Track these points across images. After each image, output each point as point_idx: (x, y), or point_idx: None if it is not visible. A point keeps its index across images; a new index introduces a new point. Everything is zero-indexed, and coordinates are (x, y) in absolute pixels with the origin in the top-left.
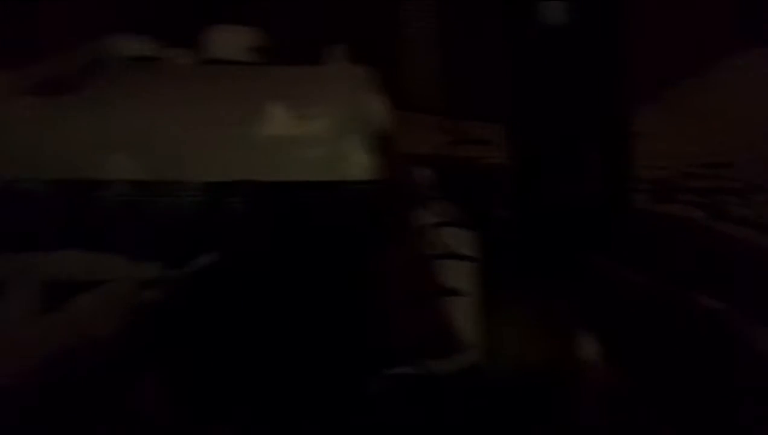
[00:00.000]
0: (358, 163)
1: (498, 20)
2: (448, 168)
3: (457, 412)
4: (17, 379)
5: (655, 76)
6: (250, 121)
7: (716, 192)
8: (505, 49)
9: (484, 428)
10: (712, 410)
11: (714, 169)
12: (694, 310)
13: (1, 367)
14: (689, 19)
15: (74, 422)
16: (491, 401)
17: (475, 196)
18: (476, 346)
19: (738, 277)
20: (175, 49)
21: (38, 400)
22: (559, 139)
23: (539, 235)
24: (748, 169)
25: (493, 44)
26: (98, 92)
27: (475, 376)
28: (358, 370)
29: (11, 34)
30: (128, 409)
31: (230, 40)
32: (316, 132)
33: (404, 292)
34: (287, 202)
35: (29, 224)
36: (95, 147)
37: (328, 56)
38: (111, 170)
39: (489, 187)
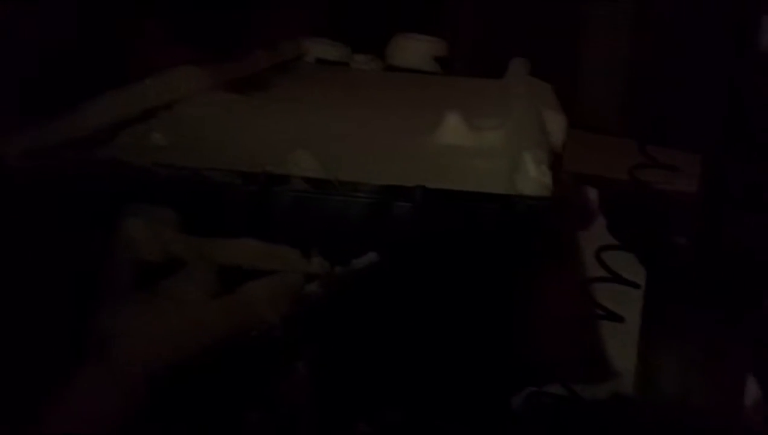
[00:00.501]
0: (530, 179)
1: (698, 43)
2: (627, 191)
3: None
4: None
5: None
6: (428, 129)
7: None
8: (709, 74)
9: None
10: None
11: None
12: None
13: (177, 344)
14: None
15: (226, 405)
16: (636, 431)
17: (652, 222)
18: (629, 374)
19: None
20: (363, 54)
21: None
22: (759, 174)
23: (717, 269)
24: None
25: (691, 68)
26: (287, 91)
27: (624, 405)
28: (505, 386)
29: (219, 31)
30: (279, 397)
31: (415, 49)
32: (491, 144)
33: (559, 312)
34: (457, 211)
35: (213, 212)
36: (278, 143)
37: (510, 69)
38: (291, 166)
39: (669, 214)
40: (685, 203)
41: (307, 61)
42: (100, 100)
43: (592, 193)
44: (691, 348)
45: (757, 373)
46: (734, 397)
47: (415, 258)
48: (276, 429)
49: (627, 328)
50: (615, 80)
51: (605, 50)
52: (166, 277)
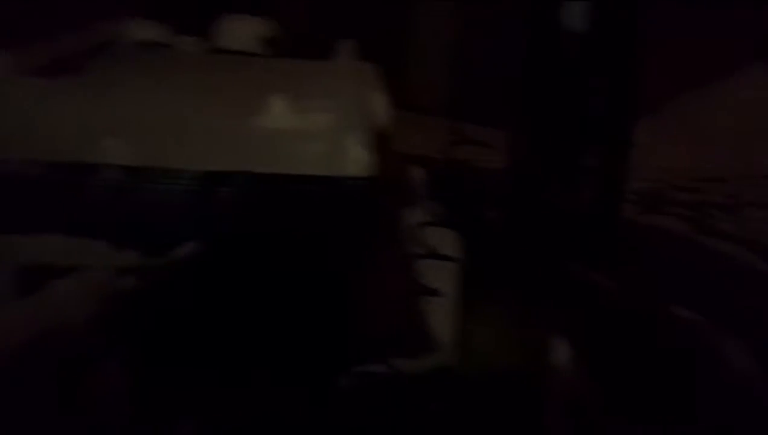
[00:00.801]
0: (354, 160)
1: (512, 21)
2: (443, 169)
3: (423, 411)
4: None
5: (656, 87)
6: (251, 112)
7: (704, 206)
8: (517, 51)
9: (449, 429)
10: (679, 418)
11: (704, 183)
12: (669, 321)
13: None
14: (693, 33)
15: (37, 408)
16: (458, 402)
17: (467, 198)
18: (449, 346)
19: (717, 290)
20: (186, 36)
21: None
22: (562, 144)
23: (527, 238)
24: (739, 185)
25: (503, 47)
26: (101, 75)
27: (445, 377)
28: (330, 366)
29: (26, 15)
30: (88, 398)
31: (240, 31)
32: (315, 126)
33: (385, 289)
34: (279, 195)
35: (14, 206)
36: (89, 130)
37: (336, 51)
38: (103, 155)
39: (482, 189)
40: (497, 178)
41: (125, 43)
42: None
43: (418, 172)
44: (503, 316)
45: (567, 334)
46: (539, 359)
47: (240, 244)
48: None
49: (448, 302)
50: (439, 62)
51: (430, 33)
52: None
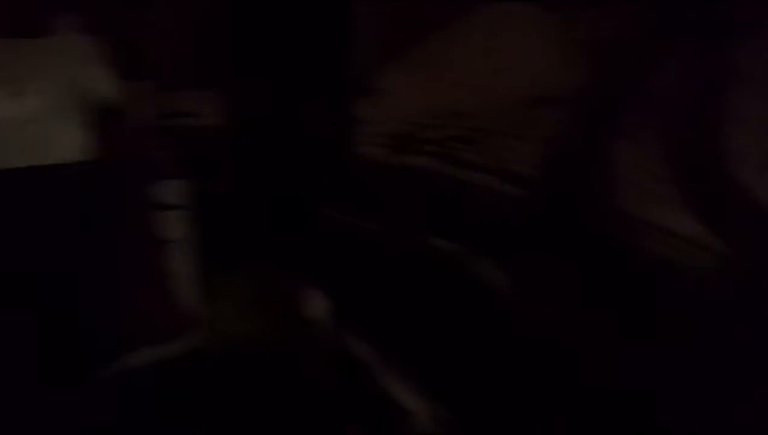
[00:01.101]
0: (69, 144)
1: None
2: (172, 140)
3: (183, 397)
4: None
5: (399, 34)
6: None
7: (450, 140)
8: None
9: (207, 411)
10: (449, 351)
11: (449, 119)
12: (428, 254)
13: None
14: None
15: None
16: (216, 382)
17: (195, 168)
18: (200, 327)
19: (471, 219)
20: None
21: None
22: (281, 99)
23: (260, 194)
24: (484, 118)
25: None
26: None
27: (199, 358)
28: (85, 362)
29: None
30: None
31: None
32: (27, 111)
33: (132, 276)
34: None
35: None
36: None
37: (55, 27)
38: None
39: (207, 157)
40: (219, 143)
41: None
42: None
43: (161, 146)
44: (246, 283)
45: (322, 286)
46: (292, 318)
47: None
48: None
49: (193, 281)
50: (181, 32)
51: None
52: None
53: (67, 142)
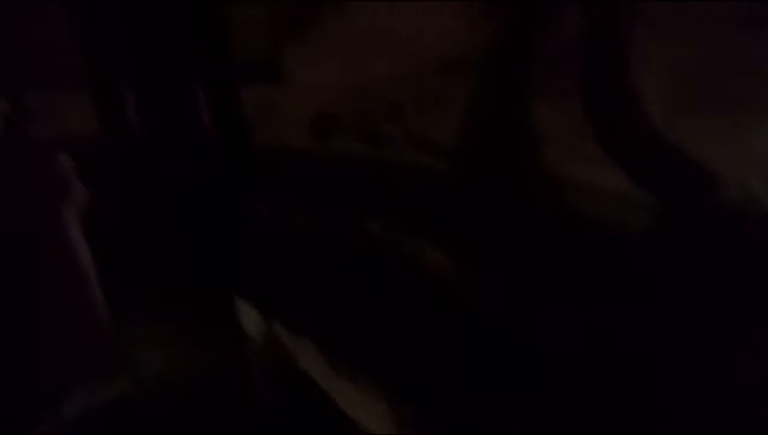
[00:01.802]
0: None
1: None
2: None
3: None
4: None
5: (299, 12)
6: None
7: (369, 117)
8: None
9: None
10: (401, 343)
11: (364, 95)
12: (363, 241)
13: None
14: None
15: None
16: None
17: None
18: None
19: (401, 199)
20: None
21: None
22: (169, 82)
23: (158, 210)
24: (395, 88)
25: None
26: None
27: (125, 405)
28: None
29: None
30: None
31: None
32: None
33: (53, 313)
34: None
35: None
36: None
37: None
38: None
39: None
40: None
41: None
42: None
43: (64, 159)
44: (161, 316)
45: (254, 296)
46: (223, 347)
47: None
48: None
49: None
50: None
51: None
52: None
53: None
